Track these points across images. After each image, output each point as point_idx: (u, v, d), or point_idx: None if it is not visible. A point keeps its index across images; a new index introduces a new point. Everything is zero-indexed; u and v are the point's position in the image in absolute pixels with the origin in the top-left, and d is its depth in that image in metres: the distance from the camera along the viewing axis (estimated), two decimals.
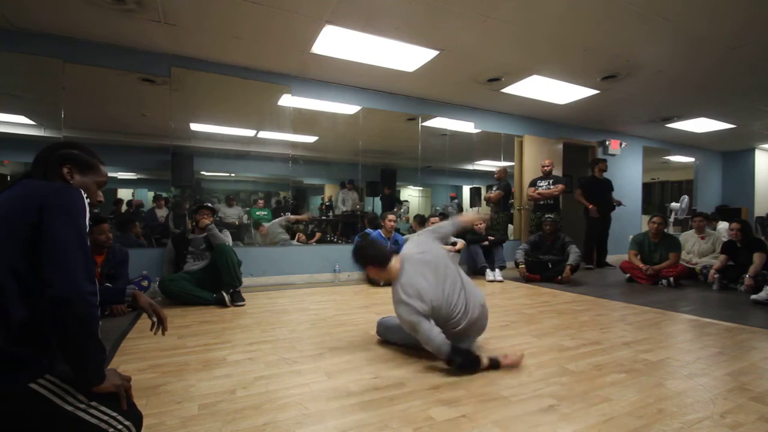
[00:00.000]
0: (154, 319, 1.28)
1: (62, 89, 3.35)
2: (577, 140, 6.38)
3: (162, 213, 3.96)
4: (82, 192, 1.00)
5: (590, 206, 5.54)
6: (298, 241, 4.61)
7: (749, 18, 2.98)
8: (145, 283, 3.26)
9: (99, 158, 1.16)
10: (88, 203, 1.01)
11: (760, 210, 7.86)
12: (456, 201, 6.36)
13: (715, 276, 3.99)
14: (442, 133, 5.31)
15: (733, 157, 8.32)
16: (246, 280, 3.70)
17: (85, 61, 3.41)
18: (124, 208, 3.96)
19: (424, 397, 1.50)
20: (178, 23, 3.12)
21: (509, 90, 4.64)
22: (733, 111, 5.50)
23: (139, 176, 4.15)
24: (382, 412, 1.37)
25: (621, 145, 6.69)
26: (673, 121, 6.01)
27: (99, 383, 0.95)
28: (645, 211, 7.09)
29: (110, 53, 3.48)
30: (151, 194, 4.07)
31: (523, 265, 4.42)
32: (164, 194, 3.99)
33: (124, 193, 4.02)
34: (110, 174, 3.90)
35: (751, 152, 8.01)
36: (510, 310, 3.00)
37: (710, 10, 2.88)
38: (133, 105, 3.78)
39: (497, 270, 4.52)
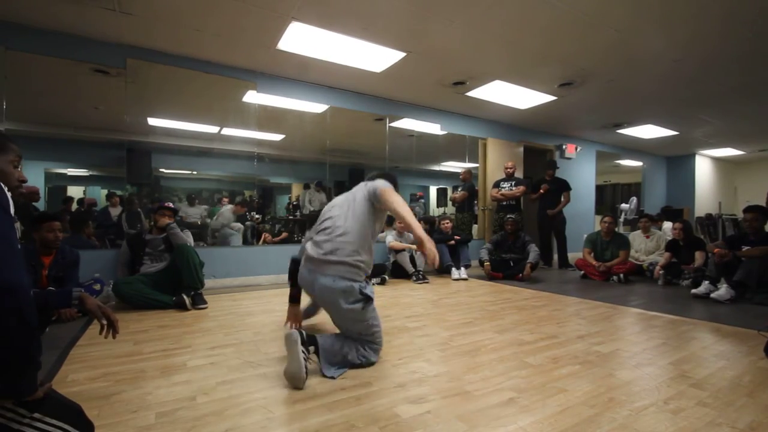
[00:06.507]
0: (104, 322, 1.21)
1: (4, 78, 3.09)
2: (537, 144, 6.65)
3: (117, 212, 3.75)
4: (1, 184, 0.92)
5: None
6: (264, 241, 4.51)
7: (693, 33, 3.21)
8: (97, 287, 3.08)
9: (3, 135, 1.08)
10: (9, 192, 0.93)
11: (699, 211, 8.54)
12: (422, 201, 6.46)
13: (660, 272, 4.29)
14: (409, 134, 5.37)
15: (676, 161, 8.98)
16: (208, 282, 3.58)
17: (30, 49, 3.16)
18: (74, 206, 3.71)
19: (390, 395, 1.52)
20: (134, 12, 2.97)
21: (474, 94, 4.76)
22: (677, 119, 5.94)
23: (91, 173, 3.91)
24: (349, 412, 1.38)
25: (576, 149, 7.05)
26: (624, 127, 6.40)
27: (33, 392, 0.86)
28: (598, 212, 7.51)
29: (59, 41, 3.25)
30: (104, 192, 3.84)
31: (488, 263, 4.55)
32: (119, 192, 3.78)
33: (75, 191, 3.77)
34: (59, 171, 3.74)
35: (692, 157, 8.68)
36: (474, 307, 3.08)
37: (656, 23, 3.08)
38: (85, 97, 3.55)
39: (462, 268, 4.63)
